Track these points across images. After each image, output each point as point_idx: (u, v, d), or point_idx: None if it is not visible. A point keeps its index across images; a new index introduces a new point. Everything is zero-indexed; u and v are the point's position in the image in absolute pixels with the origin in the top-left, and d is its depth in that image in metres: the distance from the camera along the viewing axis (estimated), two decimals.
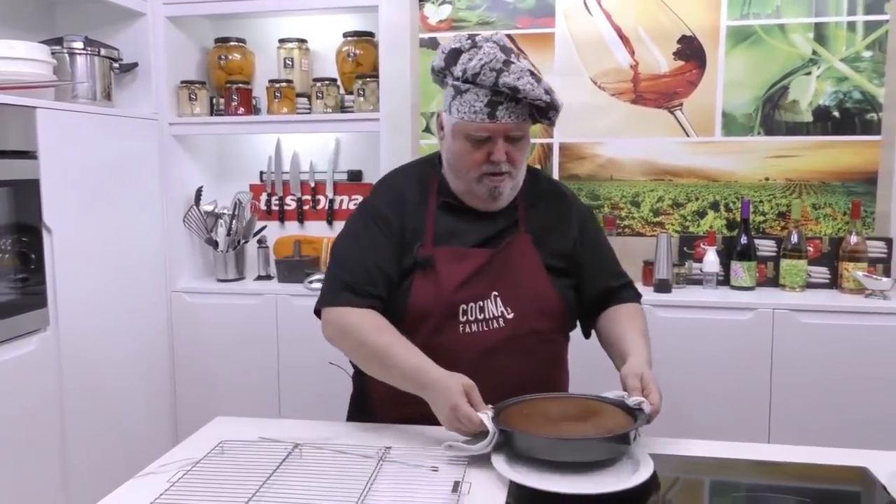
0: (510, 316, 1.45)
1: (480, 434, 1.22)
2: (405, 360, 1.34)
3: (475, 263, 1.44)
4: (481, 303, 1.44)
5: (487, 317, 1.44)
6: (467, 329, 1.43)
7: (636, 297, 1.59)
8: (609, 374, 1.44)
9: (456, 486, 1.13)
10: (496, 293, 1.45)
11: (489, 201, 1.44)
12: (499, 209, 1.47)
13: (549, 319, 1.48)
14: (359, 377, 1.57)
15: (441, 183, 1.48)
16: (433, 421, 1.31)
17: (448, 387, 1.25)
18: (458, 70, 1.36)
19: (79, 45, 2.40)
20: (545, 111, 1.37)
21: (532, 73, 1.34)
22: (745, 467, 1.26)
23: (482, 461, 1.21)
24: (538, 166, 2.73)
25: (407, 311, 1.44)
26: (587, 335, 1.60)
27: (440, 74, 1.43)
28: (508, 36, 2.55)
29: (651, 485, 1.14)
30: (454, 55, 1.38)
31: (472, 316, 1.44)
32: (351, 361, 1.54)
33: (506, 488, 1.14)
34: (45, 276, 2.13)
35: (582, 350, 1.61)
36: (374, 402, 1.53)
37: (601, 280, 1.55)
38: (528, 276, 1.46)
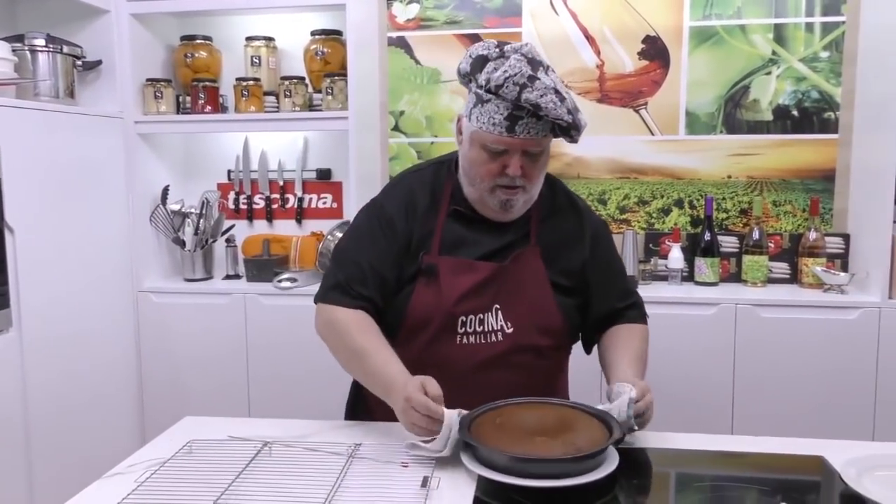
0: (510, 330, 1.43)
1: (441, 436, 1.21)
2: (380, 365, 1.34)
3: (479, 276, 1.42)
4: (481, 315, 1.43)
5: (486, 330, 1.43)
6: (464, 340, 1.42)
7: (640, 318, 1.56)
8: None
9: (425, 482, 1.15)
10: (497, 306, 1.43)
11: (501, 212, 1.42)
12: (510, 220, 1.45)
13: (548, 336, 1.46)
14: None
15: (455, 189, 1.46)
16: None
17: (405, 384, 1.25)
18: (482, 78, 1.33)
19: (41, 42, 2.36)
20: (566, 129, 1.33)
21: (557, 92, 1.29)
22: (707, 458, 1.29)
23: (453, 457, 1.23)
24: None
25: (405, 318, 1.43)
26: (588, 352, 1.59)
27: (465, 78, 1.39)
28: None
29: (617, 477, 1.16)
30: (480, 62, 1.34)
31: (470, 328, 1.42)
32: None
33: (475, 483, 1.16)
34: (8, 277, 2.10)
35: (587, 359, 1.61)
36: (369, 401, 1.54)
37: (608, 300, 1.52)
38: (532, 292, 1.44)
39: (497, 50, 1.33)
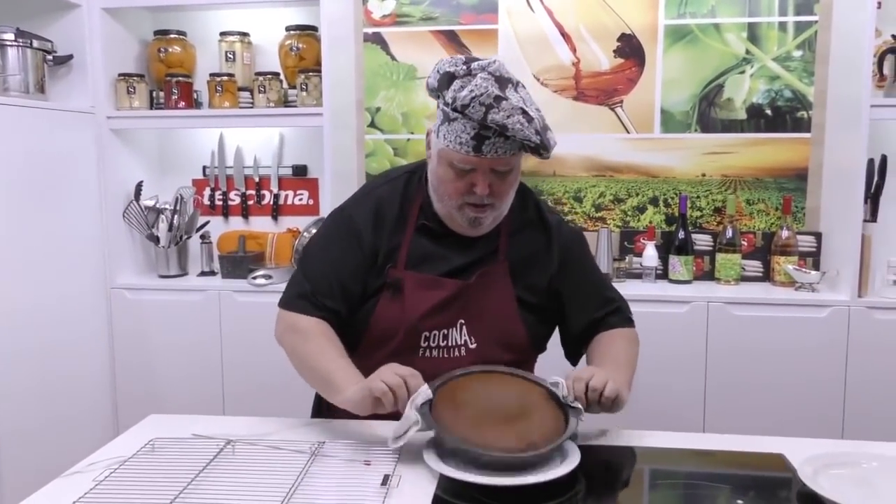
0: (473, 346, 1.43)
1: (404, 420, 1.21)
2: (336, 368, 1.34)
3: (444, 293, 1.41)
4: (445, 331, 1.42)
5: (450, 344, 1.43)
6: (427, 354, 1.42)
7: (623, 323, 1.54)
8: None
9: (385, 479, 1.15)
10: (462, 321, 1.43)
11: (469, 229, 1.40)
12: (480, 235, 1.43)
13: (512, 352, 1.45)
14: None
15: (424, 202, 1.45)
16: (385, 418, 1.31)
17: (369, 378, 1.26)
18: (449, 96, 1.30)
19: (9, 36, 2.33)
20: (535, 149, 1.32)
21: (524, 112, 1.27)
22: (668, 456, 1.30)
23: (415, 455, 1.23)
24: None
25: (369, 330, 1.43)
26: (573, 364, 1.58)
27: (434, 93, 1.38)
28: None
29: (578, 473, 1.16)
30: (447, 79, 1.32)
31: (434, 342, 1.42)
32: None
33: (436, 481, 1.16)
34: None
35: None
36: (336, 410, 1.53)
37: (585, 312, 1.51)
38: (497, 308, 1.44)
39: (464, 67, 1.30)
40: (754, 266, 2.64)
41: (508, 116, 1.25)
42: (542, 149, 1.31)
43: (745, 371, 2.37)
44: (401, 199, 1.46)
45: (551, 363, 1.56)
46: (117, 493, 1.11)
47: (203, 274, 2.83)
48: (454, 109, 1.29)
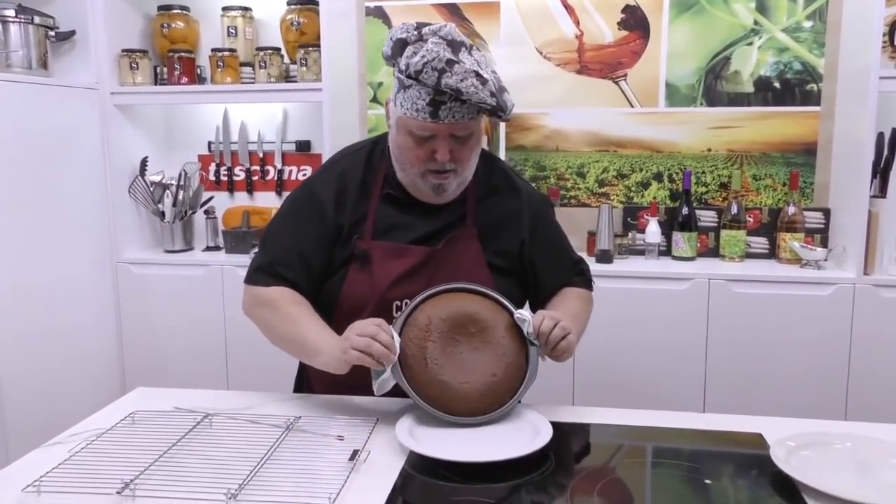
0: None
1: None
2: (312, 329, 1.35)
3: (412, 261, 1.41)
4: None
5: None
6: None
7: (586, 284, 1.58)
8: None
9: (354, 454, 1.15)
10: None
11: (434, 196, 1.39)
12: (445, 202, 1.42)
13: None
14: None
15: (388, 172, 1.44)
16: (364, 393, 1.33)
17: (341, 339, 1.28)
18: (402, 63, 1.29)
19: (10, 13, 2.35)
20: (493, 111, 1.30)
21: (478, 75, 1.26)
22: (645, 434, 1.29)
23: (389, 430, 1.23)
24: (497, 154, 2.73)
25: (338, 303, 1.43)
26: None
27: (389, 62, 1.36)
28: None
29: (547, 451, 1.16)
30: (400, 45, 1.30)
31: None
32: None
33: (405, 456, 1.17)
34: None
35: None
36: (312, 381, 1.54)
37: (558, 276, 1.53)
38: (467, 273, 1.42)
39: (415, 33, 1.29)
40: (760, 243, 2.59)
41: (462, 80, 1.25)
42: (498, 111, 1.30)
43: (746, 350, 2.34)
44: (364, 170, 1.45)
45: None
46: (88, 464, 1.13)
47: (208, 249, 2.86)
48: (408, 76, 1.28)
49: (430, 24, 1.30)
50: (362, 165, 1.46)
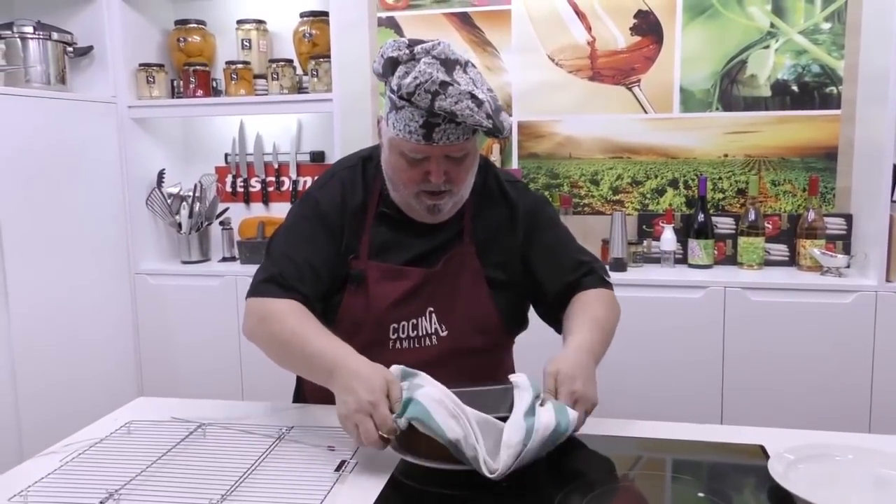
0: (444, 333, 1.39)
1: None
2: (324, 343, 1.23)
3: (409, 283, 1.37)
4: (414, 320, 1.38)
5: (420, 334, 1.39)
6: (398, 346, 1.39)
7: (600, 283, 1.45)
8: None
9: (341, 465, 1.14)
10: (431, 309, 1.39)
11: (428, 217, 1.35)
12: (440, 221, 1.38)
13: (485, 336, 1.41)
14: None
15: (383, 189, 1.39)
16: None
17: (371, 376, 1.13)
18: (394, 83, 1.24)
19: (29, 29, 2.41)
20: (490, 132, 1.26)
21: (473, 96, 1.21)
22: (644, 446, 1.26)
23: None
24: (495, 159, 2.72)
25: (335, 325, 1.38)
26: (559, 332, 1.47)
27: (381, 79, 1.31)
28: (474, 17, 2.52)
29: (540, 461, 1.14)
30: (391, 65, 1.25)
31: (403, 333, 1.38)
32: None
33: (394, 467, 1.15)
34: None
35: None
36: (307, 392, 1.53)
37: (559, 277, 1.43)
38: (466, 292, 1.39)
39: (407, 52, 1.23)
40: (780, 250, 2.53)
41: (456, 102, 1.20)
42: (495, 132, 1.26)
43: (764, 359, 2.28)
44: (363, 186, 1.41)
45: (534, 353, 1.52)
46: (78, 474, 1.14)
47: (224, 260, 2.89)
48: (400, 97, 1.24)
49: (422, 42, 1.24)
50: (360, 180, 1.41)
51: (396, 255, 1.38)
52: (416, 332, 1.39)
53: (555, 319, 1.48)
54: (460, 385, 1.17)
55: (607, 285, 1.46)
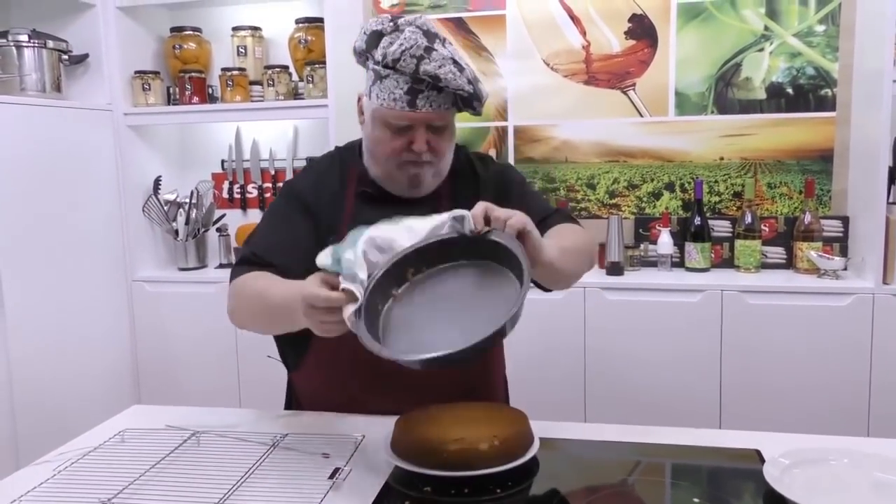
0: None
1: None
2: (281, 290, 1.23)
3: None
4: None
5: None
6: None
7: (566, 219, 1.44)
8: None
9: (334, 473, 1.14)
10: None
11: (409, 189, 1.38)
12: (420, 196, 1.40)
13: None
14: (292, 377, 1.56)
15: (361, 173, 1.42)
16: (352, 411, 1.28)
17: (301, 286, 1.12)
18: (378, 54, 1.29)
19: (24, 37, 2.40)
20: (469, 101, 1.32)
21: (455, 62, 1.28)
22: (639, 450, 1.25)
23: (374, 449, 1.21)
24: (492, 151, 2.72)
25: None
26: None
27: (362, 56, 1.36)
28: (459, 19, 2.53)
29: (534, 465, 1.13)
30: (375, 38, 1.31)
31: None
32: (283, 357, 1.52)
33: (387, 474, 1.14)
34: None
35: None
36: (301, 399, 1.53)
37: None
38: None
39: (391, 24, 1.30)
40: (777, 253, 2.53)
41: (440, 66, 1.25)
42: (474, 99, 1.31)
43: (761, 362, 2.28)
44: (339, 171, 1.45)
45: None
46: (71, 483, 1.14)
47: (221, 266, 2.88)
48: (385, 66, 1.28)
49: (404, 16, 1.32)
50: (337, 166, 1.45)
51: None
52: None
53: None
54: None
55: (573, 220, 1.46)
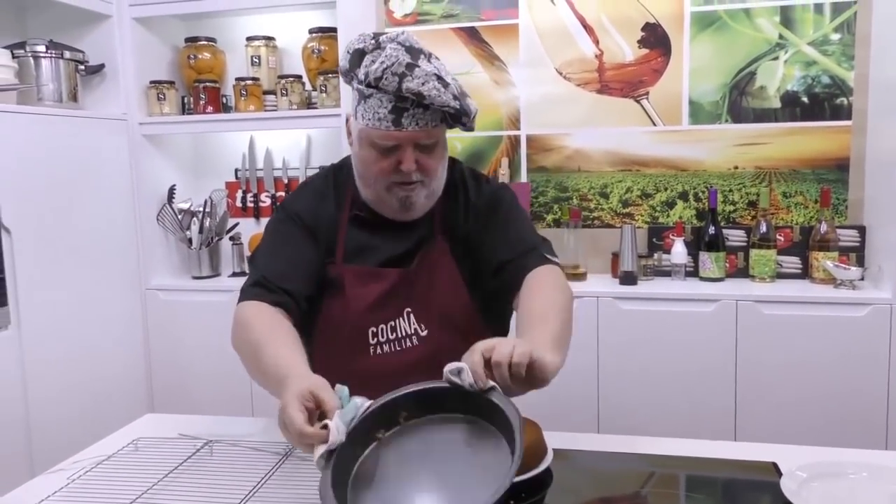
0: (424, 333, 1.37)
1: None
2: (276, 357, 1.15)
3: (385, 285, 1.36)
4: (392, 322, 1.37)
5: (400, 336, 1.37)
6: (378, 350, 1.37)
7: (540, 260, 1.33)
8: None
9: None
10: (409, 310, 1.37)
11: (401, 212, 1.34)
12: (413, 219, 1.36)
13: (465, 334, 1.30)
14: None
15: (355, 194, 1.40)
16: None
17: (290, 388, 1.01)
18: (361, 73, 1.26)
19: (41, 48, 2.43)
20: (457, 116, 1.27)
21: (439, 78, 1.23)
22: (652, 461, 1.24)
23: None
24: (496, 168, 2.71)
25: (315, 333, 1.40)
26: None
27: (347, 76, 1.32)
28: (466, 26, 2.53)
29: (546, 476, 1.13)
30: (358, 56, 1.27)
31: (383, 337, 1.37)
32: None
33: None
34: (5, 277, 2.17)
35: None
36: None
37: (497, 253, 1.35)
38: (442, 290, 1.37)
39: (373, 42, 1.27)
40: (792, 262, 2.51)
41: (423, 83, 1.21)
42: (462, 115, 1.27)
43: (777, 373, 2.26)
44: (334, 192, 1.42)
45: None
46: (84, 492, 1.14)
47: (234, 275, 2.89)
48: (368, 85, 1.25)
49: (387, 32, 1.28)
50: (331, 189, 1.43)
51: (372, 258, 1.38)
52: (395, 335, 1.38)
53: (501, 298, 1.38)
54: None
55: (548, 261, 1.35)
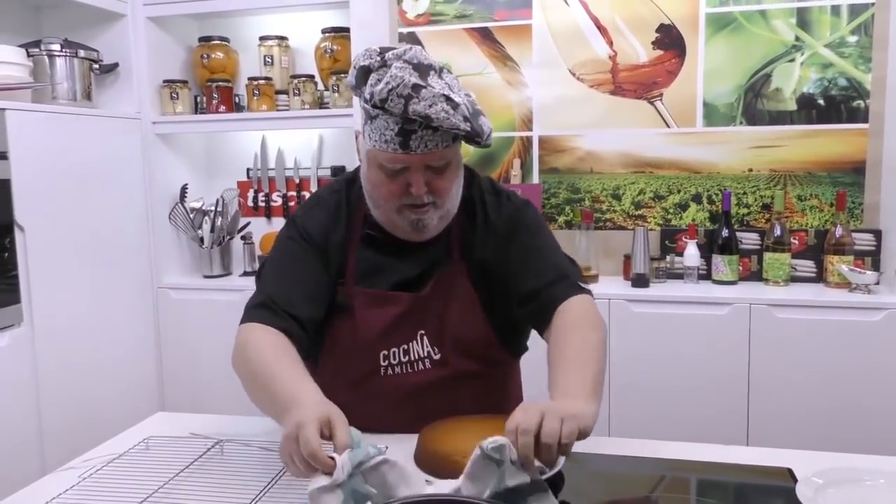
0: (437, 356, 1.33)
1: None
2: (287, 381, 1.12)
3: (397, 310, 1.31)
4: (405, 345, 1.33)
5: (412, 358, 1.33)
6: (390, 371, 1.33)
7: (571, 290, 1.27)
8: None
9: None
10: (422, 332, 1.33)
11: (414, 234, 1.28)
12: (427, 239, 1.30)
13: (482, 358, 1.35)
14: None
15: (367, 212, 1.32)
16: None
17: (307, 408, 1.00)
18: (367, 92, 1.19)
19: (56, 47, 2.44)
20: (469, 137, 1.20)
21: (448, 99, 1.15)
22: (665, 466, 1.23)
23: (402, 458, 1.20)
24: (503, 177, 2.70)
25: (325, 355, 1.37)
26: (543, 337, 1.34)
27: (355, 92, 1.25)
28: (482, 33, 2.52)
29: (559, 480, 1.12)
30: (363, 74, 1.20)
31: (394, 359, 1.33)
32: None
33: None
34: (18, 274, 2.18)
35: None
36: None
37: (526, 281, 1.30)
38: (457, 314, 1.32)
39: (379, 59, 1.18)
40: (807, 266, 2.48)
41: (430, 105, 1.14)
42: (475, 136, 1.20)
43: (790, 378, 2.24)
44: (346, 209, 1.35)
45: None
46: (94, 490, 1.14)
47: (245, 274, 2.90)
48: (373, 105, 1.18)
49: (394, 49, 1.19)
50: (343, 206, 1.36)
51: (383, 280, 1.33)
52: (407, 357, 1.33)
53: (532, 324, 1.35)
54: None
55: (580, 290, 1.30)
